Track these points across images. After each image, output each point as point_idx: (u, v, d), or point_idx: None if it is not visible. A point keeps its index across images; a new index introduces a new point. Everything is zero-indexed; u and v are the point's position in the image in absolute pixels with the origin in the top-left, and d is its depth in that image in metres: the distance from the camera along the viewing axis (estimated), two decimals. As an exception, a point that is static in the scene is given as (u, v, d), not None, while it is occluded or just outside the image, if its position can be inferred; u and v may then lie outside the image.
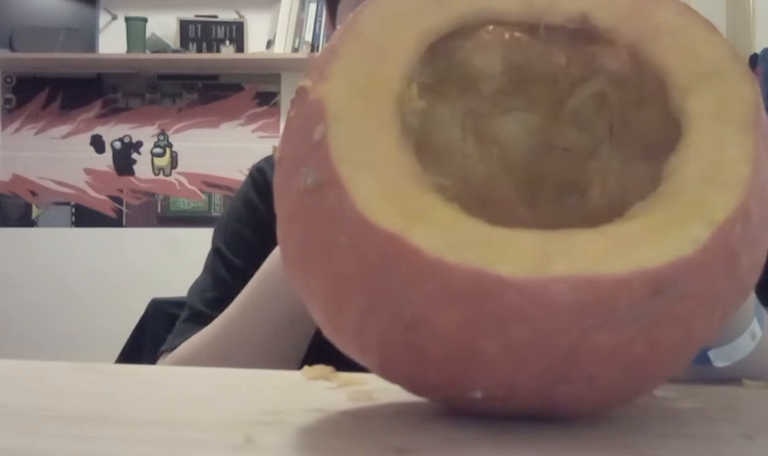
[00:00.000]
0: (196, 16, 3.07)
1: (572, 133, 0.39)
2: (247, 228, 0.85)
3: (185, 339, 0.74)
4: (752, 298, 0.49)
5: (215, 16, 3.07)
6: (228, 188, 3.06)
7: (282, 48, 2.99)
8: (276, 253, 0.69)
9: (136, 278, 2.97)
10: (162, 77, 3.13)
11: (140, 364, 0.53)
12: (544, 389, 0.29)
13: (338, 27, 0.36)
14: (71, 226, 3.13)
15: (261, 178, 0.87)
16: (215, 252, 0.85)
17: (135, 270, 3.03)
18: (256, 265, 0.70)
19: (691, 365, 0.33)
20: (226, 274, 0.81)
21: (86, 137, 3.13)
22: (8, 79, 3.14)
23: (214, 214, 3.07)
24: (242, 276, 0.72)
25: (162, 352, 0.78)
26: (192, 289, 0.85)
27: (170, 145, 3.14)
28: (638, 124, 0.36)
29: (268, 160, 0.91)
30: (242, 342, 0.69)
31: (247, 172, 0.92)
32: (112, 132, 3.13)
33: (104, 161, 3.13)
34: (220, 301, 0.75)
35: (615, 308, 0.27)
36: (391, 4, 0.35)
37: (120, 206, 3.13)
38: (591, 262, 0.27)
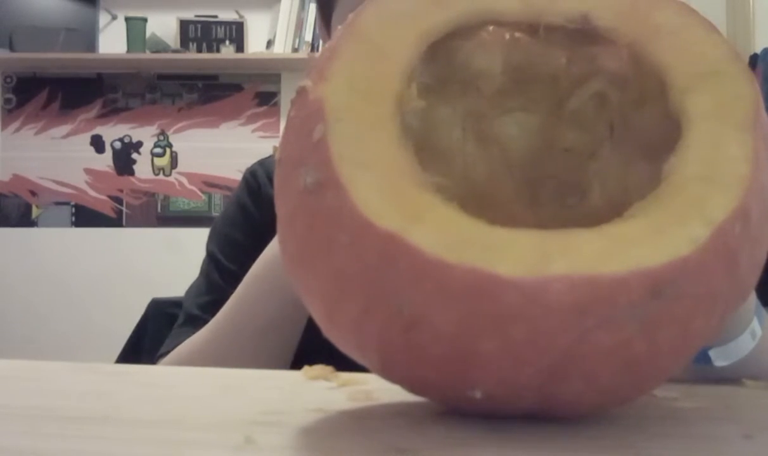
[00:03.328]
0: (196, 16, 3.07)
1: (572, 134, 0.39)
2: (239, 232, 0.85)
3: (180, 343, 0.75)
4: (752, 298, 0.49)
5: (215, 16, 3.07)
6: (228, 188, 3.05)
7: (282, 48, 2.99)
8: (263, 257, 0.70)
9: (136, 278, 2.97)
10: (162, 77, 3.13)
11: (140, 364, 0.53)
12: (543, 389, 0.29)
13: (333, 34, 0.36)
14: (71, 226, 3.13)
15: (254, 182, 0.87)
16: (209, 256, 0.86)
17: (135, 270, 3.02)
18: (249, 268, 0.70)
19: (691, 365, 0.33)
20: (220, 279, 0.82)
21: (86, 137, 3.13)
22: (8, 79, 3.14)
23: (214, 214, 3.07)
24: (235, 280, 0.73)
25: (159, 357, 0.79)
26: (188, 293, 0.85)
27: (170, 145, 3.14)
28: (638, 124, 0.36)
29: (262, 164, 0.90)
30: (232, 344, 0.70)
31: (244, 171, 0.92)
32: (112, 132, 3.13)
33: (104, 161, 3.13)
34: (214, 305, 0.76)
35: (614, 308, 0.27)
36: (391, 4, 0.35)
37: (120, 206, 3.13)
38: (590, 262, 0.27)
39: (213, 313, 0.73)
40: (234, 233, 0.85)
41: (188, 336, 0.75)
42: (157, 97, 3.14)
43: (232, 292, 0.72)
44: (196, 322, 0.78)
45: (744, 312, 0.48)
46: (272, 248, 0.69)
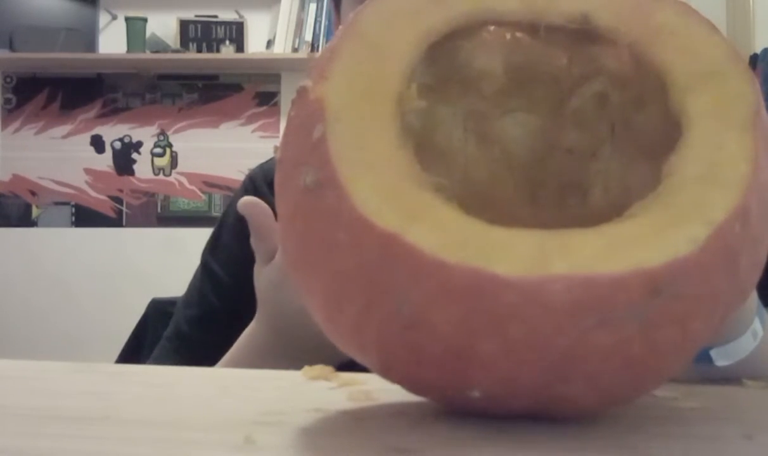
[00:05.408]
0: (196, 16, 3.07)
1: (573, 134, 0.39)
2: (236, 241, 0.84)
3: (165, 362, 0.76)
4: (754, 297, 0.49)
5: (215, 16, 3.07)
6: (228, 188, 3.05)
7: (282, 48, 2.99)
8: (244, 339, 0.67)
9: (136, 278, 2.97)
10: (162, 77, 3.13)
11: (140, 364, 0.53)
12: (542, 389, 0.29)
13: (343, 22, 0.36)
14: (71, 226, 3.13)
15: (252, 188, 0.86)
16: (203, 266, 0.85)
17: (135, 270, 3.03)
18: (244, 280, 0.70)
19: (691, 365, 0.33)
20: (211, 291, 0.83)
21: (86, 137, 3.13)
22: (8, 79, 3.14)
23: (214, 214, 3.07)
24: (228, 291, 0.73)
25: None
26: (180, 302, 0.86)
27: (170, 145, 3.14)
28: (639, 124, 0.36)
29: (263, 168, 0.90)
30: None
31: (246, 172, 0.92)
32: (112, 132, 3.13)
33: (104, 161, 3.13)
34: (200, 320, 0.78)
35: (613, 308, 0.27)
36: (392, 3, 0.35)
37: (120, 206, 3.13)
38: (589, 262, 0.27)
39: (200, 329, 0.75)
40: (230, 242, 0.85)
41: (174, 355, 0.77)
42: (157, 97, 3.14)
43: (221, 306, 0.72)
44: (183, 338, 0.80)
45: (745, 312, 0.48)
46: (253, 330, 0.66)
